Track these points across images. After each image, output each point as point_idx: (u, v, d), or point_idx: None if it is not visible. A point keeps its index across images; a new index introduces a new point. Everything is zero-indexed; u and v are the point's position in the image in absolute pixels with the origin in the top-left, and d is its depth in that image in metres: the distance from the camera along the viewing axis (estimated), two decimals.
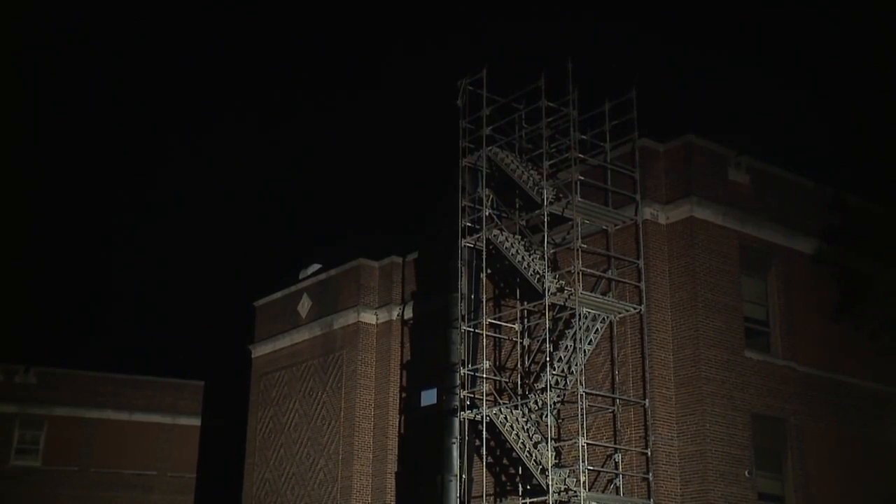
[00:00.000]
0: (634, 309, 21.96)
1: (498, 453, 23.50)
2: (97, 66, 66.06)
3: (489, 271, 24.18)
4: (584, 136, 23.48)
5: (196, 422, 42.22)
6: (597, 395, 21.82)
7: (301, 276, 32.59)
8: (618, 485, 21.28)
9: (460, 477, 22.63)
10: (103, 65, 66.76)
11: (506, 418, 22.02)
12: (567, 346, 21.93)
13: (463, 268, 23.77)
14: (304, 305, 30.60)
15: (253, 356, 32.32)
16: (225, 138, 67.07)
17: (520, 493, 22.43)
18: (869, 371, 23.81)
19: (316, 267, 32.83)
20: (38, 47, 63.73)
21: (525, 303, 23.58)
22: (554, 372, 21.68)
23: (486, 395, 22.63)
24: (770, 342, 23.10)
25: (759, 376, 22.24)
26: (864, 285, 24.23)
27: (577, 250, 21.83)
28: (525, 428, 21.93)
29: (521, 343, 23.92)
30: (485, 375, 23.05)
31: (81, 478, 40.45)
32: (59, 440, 40.54)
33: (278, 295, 32.01)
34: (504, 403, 22.54)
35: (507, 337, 24.28)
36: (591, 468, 20.93)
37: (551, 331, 21.93)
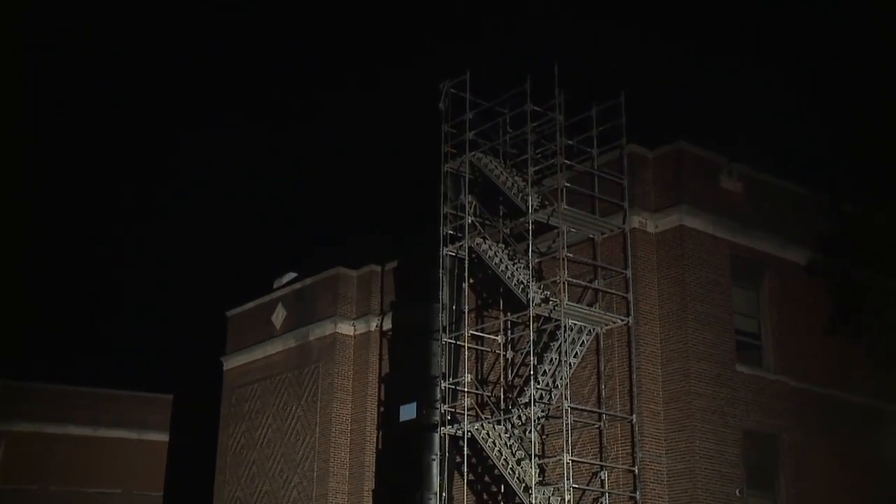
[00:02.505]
0: (622, 321, 22.31)
1: (479, 470, 23.79)
2: (97, 67, 66.82)
3: (471, 281, 24.48)
4: (570, 142, 23.82)
5: (164, 437, 42.27)
6: (582, 410, 22.14)
7: (275, 285, 32.81)
8: (604, 503, 21.60)
9: (440, 495, 22.90)
10: (103, 65, 67.44)
11: (488, 434, 22.32)
12: (552, 359, 22.24)
13: (444, 277, 24.06)
14: (279, 316, 30.83)
15: (224, 368, 32.50)
16: (199, 144, 67.27)
17: None
18: (864, 386, 24.13)
19: (291, 275, 33.07)
20: (38, 47, 64.63)
21: (508, 314, 23.89)
22: (538, 386, 21.98)
23: (468, 410, 22.93)
24: (762, 356, 23.47)
25: (751, 391, 22.60)
26: (859, 297, 24.56)
27: (563, 259, 22.16)
28: (508, 444, 22.23)
29: (504, 356, 24.22)
30: (466, 389, 23.34)
31: (41, 497, 40.42)
32: (18, 457, 40.48)
33: (251, 305, 32.21)
34: (486, 418, 22.84)
35: (489, 349, 24.58)
36: (577, 486, 21.23)
37: (535, 343, 22.25)
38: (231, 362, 32.26)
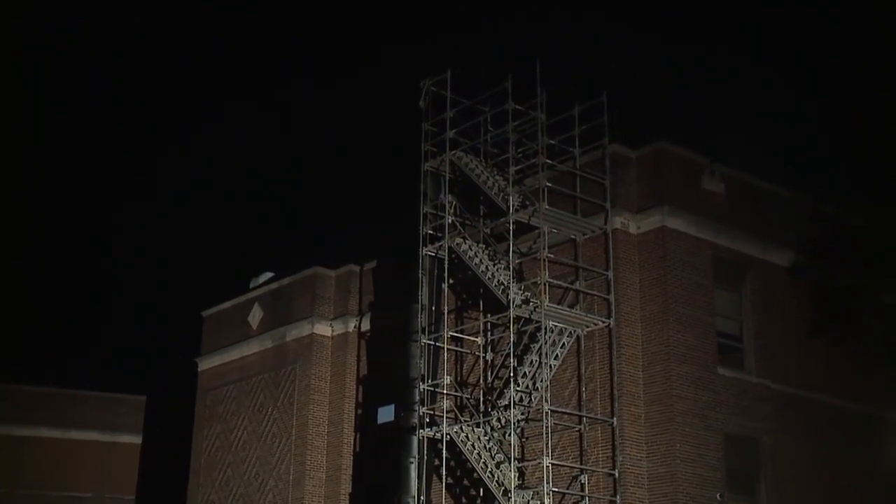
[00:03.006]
0: (603, 322, 22.41)
1: (458, 474, 23.84)
2: (97, 67, 67.15)
3: (451, 282, 24.54)
4: (552, 141, 23.91)
5: (137, 439, 42.10)
6: (563, 412, 22.23)
7: (252, 285, 32.78)
8: None
9: (418, 498, 22.93)
10: (103, 65, 67.75)
11: (467, 437, 22.37)
12: (532, 361, 22.32)
13: (424, 278, 24.11)
14: (255, 316, 30.80)
15: (199, 369, 32.43)
16: (182, 143, 67.22)
17: None
18: (846, 390, 24.29)
19: (268, 275, 33.05)
20: (38, 47, 64.98)
21: (488, 315, 23.95)
22: (518, 388, 22.06)
23: (447, 412, 22.98)
24: (744, 359, 23.63)
25: (732, 394, 22.75)
26: (842, 300, 24.73)
27: (544, 260, 22.23)
28: (487, 447, 22.30)
29: (484, 357, 24.29)
30: (445, 391, 23.39)
31: (10, 501, 40.16)
32: None
33: (227, 304, 32.16)
34: (465, 421, 22.89)
35: (469, 351, 24.64)
36: (556, 490, 21.31)
37: (516, 345, 22.31)
38: (206, 363, 32.19)
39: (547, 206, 22.51)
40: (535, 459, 21.94)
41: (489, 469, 21.83)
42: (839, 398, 24.27)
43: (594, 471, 21.79)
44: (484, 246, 23.97)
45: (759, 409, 23.07)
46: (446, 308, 24.26)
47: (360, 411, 27.87)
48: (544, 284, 22.03)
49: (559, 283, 22.82)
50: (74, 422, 41.62)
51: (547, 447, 21.09)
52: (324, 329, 28.92)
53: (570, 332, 22.58)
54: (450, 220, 24.05)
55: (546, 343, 22.09)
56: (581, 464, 22.03)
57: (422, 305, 23.95)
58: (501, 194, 23.41)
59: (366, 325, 28.33)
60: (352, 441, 27.80)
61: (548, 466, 20.94)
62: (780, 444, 23.15)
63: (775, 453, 23.07)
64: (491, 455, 22.13)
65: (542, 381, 21.98)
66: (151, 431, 42.13)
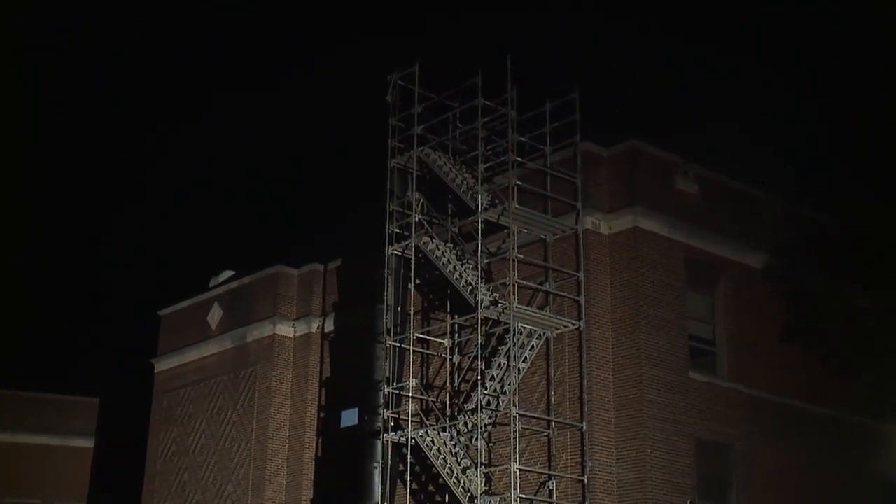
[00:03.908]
0: (573, 325, 22.57)
1: (423, 479, 23.92)
2: (97, 67, 67.28)
3: (418, 282, 24.62)
4: (522, 139, 24.02)
5: (89, 443, 41.79)
6: (531, 417, 22.35)
7: (211, 284, 32.69)
8: None
9: None
10: (103, 65, 67.87)
11: (432, 441, 22.46)
12: (500, 364, 22.44)
13: (389, 277, 24.18)
14: (215, 315, 30.73)
15: (156, 371, 32.32)
16: (136, 132, 66.98)
17: None
18: (820, 395, 24.56)
19: (228, 273, 32.97)
20: (38, 47, 65.22)
21: (456, 316, 24.05)
22: (485, 392, 22.17)
23: (412, 416, 23.06)
24: (716, 363, 23.84)
25: (704, 399, 22.97)
26: (816, 304, 25.02)
27: (513, 261, 22.36)
28: (453, 452, 22.40)
29: (451, 360, 24.39)
30: (411, 394, 23.47)
31: None
32: None
33: (186, 304, 32.07)
34: (431, 425, 22.98)
35: (435, 353, 24.73)
36: (524, 496, 21.41)
37: (483, 347, 22.43)
38: (163, 364, 32.08)
39: (516, 205, 22.61)
40: (502, 465, 22.06)
41: (455, 474, 21.93)
42: (813, 403, 24.54)
43: (563, 476, 21.94)
44: (452, 245, 24.07)
45: (731, 415, 23.30)
46: (412, 309, 24.34)
47: (322, 415, 27.88)
48: (513, 285, 22.15)
49: (528, 284, 22.95)
50: (23, 425, 41.21)
51: (514, 452, 21.21)
52: (286, 330, 28.91)
53: (540, 335, 22.71)
54: (417, 219, 24.12)
55: (514, 345, 22.20)
56: (549, 469, 22.17)
57: (387, 306, 24.02)
58: (470, 192, 23.51)
59: (329, 326, 28.35)
60: (314, 445, 27.83)
61: (515, 472, 21.05)
62: (752, 450, 23.38)
63: (747, 459, 23.30)
64: (457, 460, 22.23)
65: (510, 384, 22.10)
66: (105, 435, 41.84)
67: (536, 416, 22.44)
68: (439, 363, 24.78)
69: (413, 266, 24.04)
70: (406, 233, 24.22)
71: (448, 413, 23.76)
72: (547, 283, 23.20)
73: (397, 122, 25.02)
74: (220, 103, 65.52)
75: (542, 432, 22.46)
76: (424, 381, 24.71)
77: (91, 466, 41.61)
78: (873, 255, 25.35)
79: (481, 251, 22.73)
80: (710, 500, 22.83)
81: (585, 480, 21.69)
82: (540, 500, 21.91)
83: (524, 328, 22.44)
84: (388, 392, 23.37)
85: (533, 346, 22.71)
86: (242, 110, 66.12)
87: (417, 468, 23.66)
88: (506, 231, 22.97)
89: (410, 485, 22.85)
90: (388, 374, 23.56)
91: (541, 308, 22.87)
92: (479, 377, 22.12)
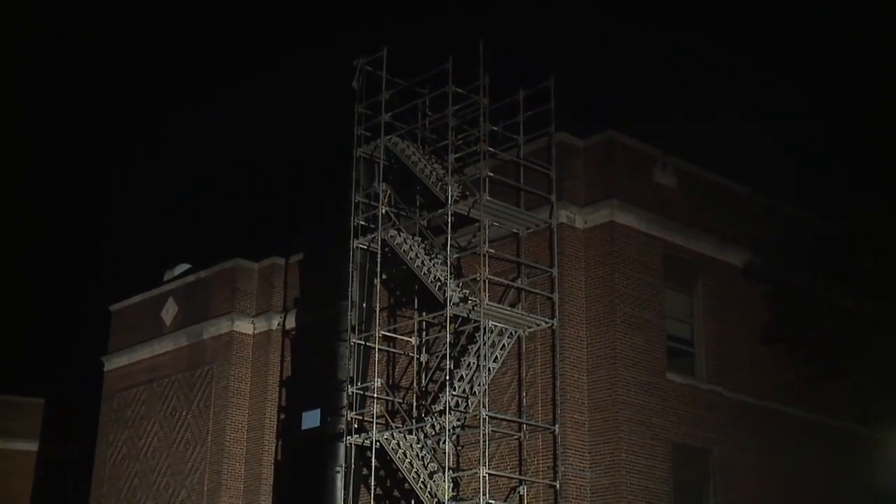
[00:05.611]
0: (546, 323, 22.78)
1: (388, 484, 24.10)
2: (97, 66, 67.48)
3: (384, 277, 24.76)
4: (495, 128, 24.18)
5: (32, 446, 41.67)
6: (501, 419, 22.55)
7: (166, 278, 32.68)
8: None
9: None
10: (103, 65, 68.05)
11: (398, 444, 22.63)
12: (469, 364, 22.59)
13: (354, 272, 24.31)
14: (169, 311, 30.78)
15: (105, 369, 32.29)
16: (94, 123, 66.94)
17: None
18: (801, 399, 24.92)
19: (184, 267, 32.95)
20: (38, 47, 65.62)
21: (423, 314, 24.21)
22: (454, 392, 22.30)
23: (377, 418, 23.21)
24: (695, 364, 24.08)
25: (682, 402, 23.23)
26: (799, 305, 25.36)
27: (484, 255, 22.50)
28: (420, 455, 22.58)
29: (418, 359, 24.57)
30: (375, 395, 23.63)
31: None
32: None
33: (138, 298, 32.07)
34: (397, 427, 23.16)
35: (402, 352, 24.92)
36: (493, 502, 21.58)
37: (452, 346, 22.58)
38: (113, 362, 32.07)
39: (488, 198, 22.72)
40: (471, 469, 22.22)
41: (421, 479, 22.11)
42: (794, 407, 24.89)
43: (534, 482, 22.15)
44: (420, 239, 24.21)
45: (709, 418, 23.57)
46: (378, 305, 24.49)
47: (282, 416, 28.00)
48: (484, 281, 22.32)
49: (500, 280, 23.13)
50: None
51: (484, 456, 21.39)
52: (244, 326, 28.99)
53: (511, 333, 22.90)
54: (383, 211, 24.27)
55: (485, 344, 22.39)
56: (520, 474, 22.38)
57: (352, 302, 24.16)
58: (439, 184, 23.65)
59: (290, 323, 28.46)
60: (273, 448, 27.93)
61: (485, 477, 21.22)
62: (731, 455, 23.68)
63: (726, 464, 23.59)
64: (424, 464, 22.41)
65: (479, 385, 22.26)
66: (49, 438, 41.72)
67: (507, 418, 22.64)
68: (406, 362, 24.95)
69: (379, 260, 24.17)
70: (372, 226, 24.36)
71: (415, 415, 23.95)
72: (519, 280, 23.41)
73: (364, 109, 25.12)
74: (182, 95, 65.68)
75: (513, 435, 22.66)
76: (390, 382, 24.88)
77: (34, 471, 41.47)
78: (861, 255, 25.72)
79: (451, 245, 22.90)
80: None
81: (558, 486, 21.90)
82: None
83: (495, 326, 22.62)
84: (352, 392, 23.52)
85: (504, 345, 22.87)
86: (204, 102, 66.17)
87: (382, 472, 23.83)
88: (476, 225, 23.12)
89: (374, 490, 22.98)
90: (352, 374, 23.70)
91: (512, 305, 23.07)
92: (447, 377, 22.25)
